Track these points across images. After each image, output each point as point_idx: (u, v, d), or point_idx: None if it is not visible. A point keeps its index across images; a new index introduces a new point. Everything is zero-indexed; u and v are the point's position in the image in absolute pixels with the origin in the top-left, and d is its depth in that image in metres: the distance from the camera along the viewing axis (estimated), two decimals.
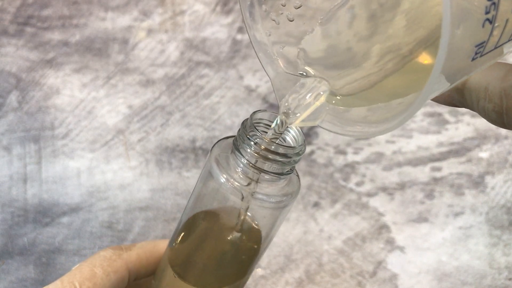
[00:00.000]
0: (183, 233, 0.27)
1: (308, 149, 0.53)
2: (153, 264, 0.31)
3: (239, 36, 0.63)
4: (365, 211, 0.49)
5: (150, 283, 0.32)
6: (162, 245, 0.32)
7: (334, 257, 0.45)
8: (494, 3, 0.16)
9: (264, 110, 0.25)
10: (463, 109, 0.58)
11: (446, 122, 0.57)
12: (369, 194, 0.50)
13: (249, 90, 0.59)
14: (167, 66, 0.61)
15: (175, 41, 0.64)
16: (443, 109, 0.58)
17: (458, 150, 0.54)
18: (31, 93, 0.57)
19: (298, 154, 0.24)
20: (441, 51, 0.15)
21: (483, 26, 0.17)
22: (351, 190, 0.50)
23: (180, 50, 0.63)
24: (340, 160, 0.53)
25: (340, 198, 0.49)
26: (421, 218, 0.49)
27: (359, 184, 0.51)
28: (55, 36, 0.64)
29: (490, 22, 0.17)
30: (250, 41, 0.24)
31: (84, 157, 0.51)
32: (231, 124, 0.55)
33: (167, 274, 0.27)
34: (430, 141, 0.55)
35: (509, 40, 0.18)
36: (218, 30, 0.64)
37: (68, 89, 0.58)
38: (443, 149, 0.55)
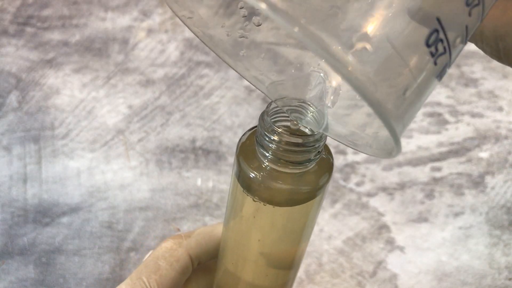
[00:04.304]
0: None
1: None
2: (213, 248, 0.32)
3: None
4: (365, 211, 0.49)
5: (216, 264, 0.33)
6: (219, 228, 0.33)
7: (334, 257, 0.45)
8: (438, 41, 0.16)
9: (282, 98, 0.25)
10: (463, 109, 0.58)
11: (446, 122, 0.57)
12: (369, 194, 0.50)
13: (249, 90, 0.59)
14: (167, 66, 0.61)
15: (175, 41, 0.64)
16: (443, 109, 0.58)
17: (458, 150, 0.54)
18: (31, 93, 0.57)
19: (320, 139, 0.24)
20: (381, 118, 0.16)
21: (435, 64, 0.17)
22: (351, 190, 0.50)
23: (180, 50, 0.63)
24: (340, 160, 0.53)
25: (340, 198, 0.49)
26: (421, 218, 0.48)
27: (359, 184, 0.51)
28: (55, 36, 0.64)
29: (444, 52, 0.17)
30: (231, 67, 0.25)
31: (84, 157, 0.51)
32: (231, 124, 0.55)
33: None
34: (430, 141, 0.55)
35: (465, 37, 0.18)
36: None
37: (68, 89, 0.58)
38: (443, 149, 0.55)
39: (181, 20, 0.22)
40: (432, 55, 0.16)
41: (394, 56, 0.16)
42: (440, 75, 0.17)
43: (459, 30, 0.17)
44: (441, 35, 0.16)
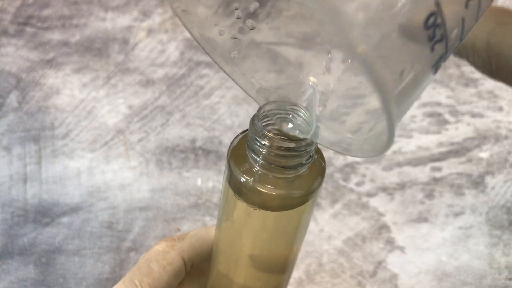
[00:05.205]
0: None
1: None
2: (207, 250, 0.32)
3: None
4: (365, 211, 0.49)
5: (209, 267, 0.32)
6: (213, 231, 0.32)
7: (334, 257, 0.45)
8: (436, 25, 0.16)
9: (273, 102, 0.24)
10: (463, 109, 0.58)
11: (446, 122, 0.57)
12: (369, 194, 0.50)
13: None
14: (167, 66, 0.61)
15: (175, 41, 0.64)
16: (443, 109, 0.58)
17: (458, 150, 0.54)
18: (31, 93, 0.57)
19: (311, 143, 0.23)
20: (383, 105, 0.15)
21: (432, 50, 0.17)
22: (351, 190, 0.50)
23: (180, 50, 0.63)
24: (340, 160, 0.53)
25: (340, 198, 0.49)
26: (421, 218, 0.48)
27: (359, 184, 0.51)
28: (55, 36, 0.64)
29: (441, 40, 0.17)
30: (226, 73, 0.24)
31: (84, 157, 0.51)
32: (231, 124, 0.55)
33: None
34: (430, 141, 0.55)
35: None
36: None
37: (68, 89, 0.58)
38: (443, 149, 0.55)
39: (176, 14, 0.22)
40: (430, 39, 0.16)
41: (393, 32, 0.15)
42: (435, 66, 0.17)
43: (456, 20, 0.17)
44: (439, 20, 0.16)
